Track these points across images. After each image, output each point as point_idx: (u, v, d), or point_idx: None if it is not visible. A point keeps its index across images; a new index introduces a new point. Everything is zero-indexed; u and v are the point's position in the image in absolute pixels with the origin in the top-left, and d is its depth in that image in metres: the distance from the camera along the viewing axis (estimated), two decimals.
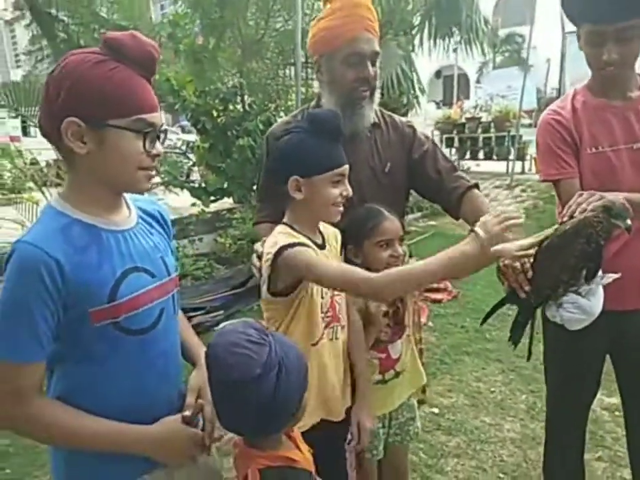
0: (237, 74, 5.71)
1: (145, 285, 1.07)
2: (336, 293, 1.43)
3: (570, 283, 1.29)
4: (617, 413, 2.55)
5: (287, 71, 6.35)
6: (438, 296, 4.33)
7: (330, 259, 1.42)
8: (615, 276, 1.33)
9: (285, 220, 1.43)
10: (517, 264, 1.31)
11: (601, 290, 1.31)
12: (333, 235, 1.52)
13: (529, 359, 1.54)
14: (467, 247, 1.10)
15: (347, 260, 1.54)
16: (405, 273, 1.19)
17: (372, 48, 1.58)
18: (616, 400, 1.83)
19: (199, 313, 4.04)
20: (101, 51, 1.00)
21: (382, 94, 5.92)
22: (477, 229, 1.11)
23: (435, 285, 4.45)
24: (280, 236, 1.36)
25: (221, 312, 4.13)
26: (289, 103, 5.68)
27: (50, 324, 0.97)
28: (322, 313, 1.40)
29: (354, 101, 1.61)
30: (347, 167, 1.38)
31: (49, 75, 1.02)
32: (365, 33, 1.57)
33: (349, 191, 1.38)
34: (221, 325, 3.91)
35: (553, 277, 1.30)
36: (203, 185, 5.47)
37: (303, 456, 1.15)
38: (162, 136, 1.07)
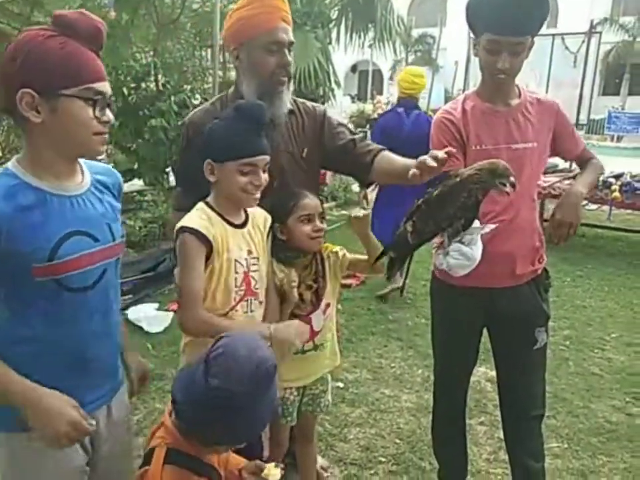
0: (151, 52, 5.55)
1: (86, 248, 1.14)
2: (251, 268, 1.53)
3: (448, 231, 1.48)
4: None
5: (204, 53, 6.26)
6: (348, 281, 4.54)
7: (248, 239, 1.53)
8: (492, 226, 1.55)
9: (208, 198, 1.52)
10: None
11: (479, 240, 1.50)
12: (262, 218, 1.62)
13: (402, 292, 1.77)
14: (260, 327, 1.44)
15: (275, 237, 1.66)
16: (214, 325, 1.39)
17: (289, 37, 1.68)
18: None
19: None
20: (52, 28, 1.08)
21: (298, 85, 6.06)
22: (272, 327, 1.44)
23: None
24: (192, 213, 1.48)
25: (130, 296, 4.03)
26: (206, 85, 5.62)
27: None
28: (235, 287, 1.49)
29: (274, 87, 1.69)
30: (261, 158, 1.45)
31: (4, 51, 1.08)
32: (282, 23, 1.66)
33: (261, 181, 1.46)
34: (130, 309, 3.84)
35: (434, 223, 1.49)
36: (112, 165, 5.27)
37: (217, 457, 1.23)
38: (112, 104, 1.16)
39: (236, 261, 1.49)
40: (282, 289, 1.65)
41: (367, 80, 19.63)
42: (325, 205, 7.47)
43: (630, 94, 24.62)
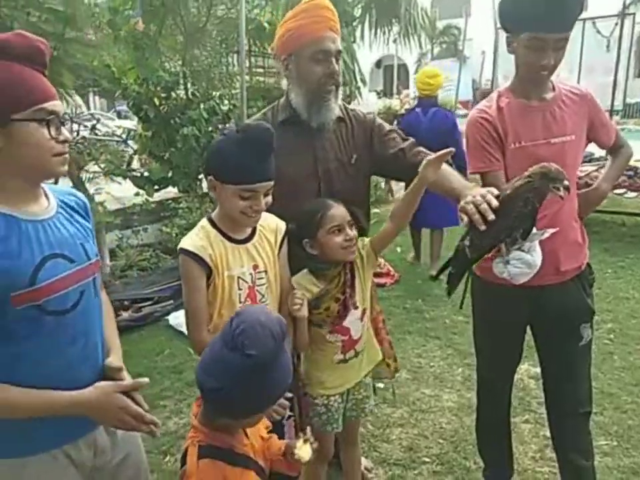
0: (179, 61, 5.65)
1: (63, 270, 1.13)
2: (257, 283, 1.55)
3: (507, 241, 1.47)
4: (541, 381, 2.81)
5: (230, 59, 6.33)
6: (382, 280, 4.54)
7: (253, 254, 1.55)
8: (552, 230, 1.53)
9: (211, 214, 1.56)
10: (478, 197, 1.43)
11: (538, 245, 1.49)
12: (272, 229, 1.62)
13: (461, 306, 1.81)
14: None
15: (305, 252, 1.65)
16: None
17: (336, 46, 1.70)
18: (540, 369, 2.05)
19: (147, 303, 4.03)
20: None
21: None
22: None
23: (379, 270, 4.66)
24: (194, 232, 1.53)
25: (171, 302, 4.13)
26: (233, 91, 5.68)
27: None
28: (239, 302, 1.52)
29: (321, 96, 1.71)
30: (261, 185, 1.44)
31: None
32: (330, 32, 1.68)
33: (260, 206, 1.47)
34: (172, 315, 3.93)
35: (493, 236, 1.47)
36: (146, 174, 5.39)
37: (250, 442, 1.27)
38: (66, 122, 1.14)
39: (239, 277, 1.51)
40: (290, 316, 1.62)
41: (392, 75, 19.47)
42: None
43: None
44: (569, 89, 1.78)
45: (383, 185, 8.09)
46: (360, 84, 7.59)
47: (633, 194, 5.80)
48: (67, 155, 1.14)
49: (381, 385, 2.91)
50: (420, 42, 8.20)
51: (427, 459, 2.37)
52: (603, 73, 7.02)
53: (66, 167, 1.15)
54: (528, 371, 2.97)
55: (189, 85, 5.46)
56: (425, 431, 2.57)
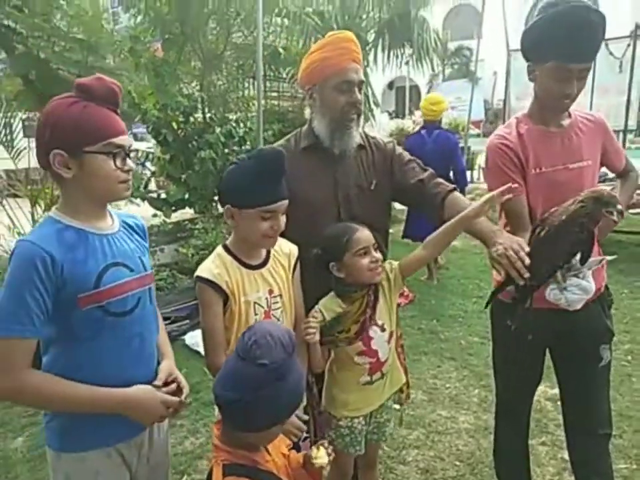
0: (197, 87, 5.81)
1: (124, 277, 1.30)
2: (273, 307, 1.59)
3: (565, 267, 1.49)
4: (558, 403, 2.77)
5: (247, 84, 6.48)
6: (397, 300, 4.55)
7: (268, 279, 1.59)
8: (610, 258, 1.57)
9: (227, 241, 1.61)
10: (511, 252, 1.47)
11: (590, 273, 1.52)
12: (286, 253, 1.67)
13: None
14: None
15: (332, 276, 1.68)
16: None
17: (359, 77, 1.76)
18: (557, 391, 2.04)
19: (164, 322, 4.08)
20: (74, 94, 1.25)
21: None
22: None
23: None
24: (209, 259, 1.57)
25: (187, 322, 4.17)
26: (249, 114, 5.81)
27: (42, 307, 1.17)
28: None
29: (344, 124, 1.77)
30: (280, 204, 1.50)
31: (38, 118, 1.27)
32: (353, 64, 1.75)
33: (280, 225, 1.53)
34: (188, 335, 3.98)
35: (550, 262, 1.49)
36: (164, 195, 5.51)
37: (272, 459, 1.30)
38: (132, 154, 1.33)
39: (255, 303, 1.55)
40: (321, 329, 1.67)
41: (404, 96, 19.63)
42: None
43: None
44: (584, 115, 1.82)
45: (396, 204, 8.13)
46: (373, 106, 7.69)
47: None
48: (130, 182, 1.32)
49: (397, 407, 2.91)
50: (432, 63, 8.29)
51: None
52: (616, 93, 7.05)
53: (129, 192, 1.34)
54: (545, 392, 2.96)
55: (206, 110, 5.61)
56: (441, 453, 2.56)
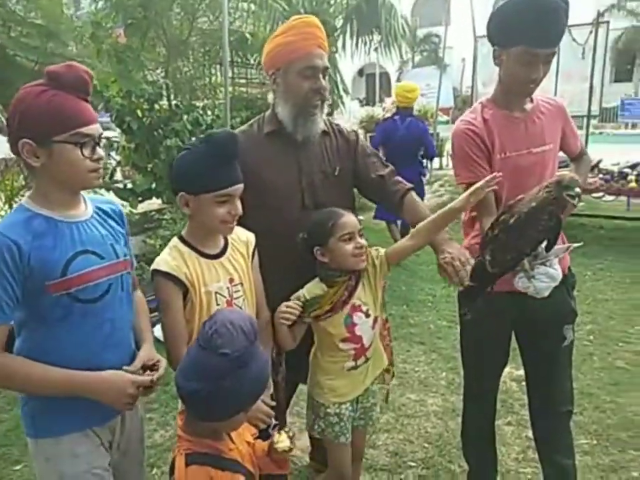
0: (162, 73, 5.67)
1: (92, 265, 1.30)
2: (234, 296, 1.57)
3: (532, 255, 1.51)
4: (523, 383, 2.86)
5: (213, 70, 6.37)
6: None
7: (228, 267, 1.56)
8: (577, 245, 1.61)
9: (182, 232, 1.57)
10: (457, 262, 1.56)
11: (557, 260, 1.55)
12: (243, 241, 1.65)
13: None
14: None
15: (316, 260, 1.69)
16: None
17: (324, 63, 1.75)
18: (522, 372, 2.10)
19: None
20: (44, 82, 1.24)
21: None
22: None
23: None
24: (165, 252, 1.53)
25: (156, 313, 4.11)
26: (217, 101, 5.72)
27: (10, 294, 1.20)
28: None
29: (307, 110, 1.76)
30: (235, 187, 1.47)
31: (9, 107, 1.26)
32: (318, 50, 1.73)
33: (238, 210, 1.50)
34: (157, 327, 3.92)
35: (517, 250, 1.51)
36: (130, 185, 5.39)
37: (236, 447, 1.29)
38: (101, 142, 1.32)
39: (216, 293, 1.52)
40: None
41: (374, 83, 19.64)
42: None
43: None
44: (545, 100, 1.85)
45: None
46: (342, 93, 7.66)
47: (610, 197, 5.94)
48: (101, 171, 1.32)
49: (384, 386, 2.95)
50: (400, 50, 8.30)
51: (413, 464, 2.41)
52: (579, 79, 7.17)
53: (100, 181, 1.34)
54: (510, 373, 3.03)
55: (172, 97, 5.49)
56: (410, 436, 2.61)
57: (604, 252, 5.30)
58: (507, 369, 2.95)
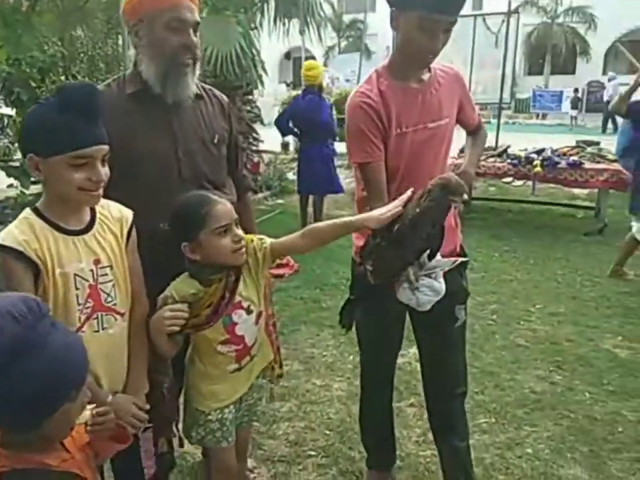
0: (58, 42, 5.18)
1: None
2: (101, 280, 1.35)
3: (416, 264, 1.42)
4: None
5: (120, 41, 5.92)
6: (280, 271, 4.43)
7: (94, 246, 1.35)
8: (462, 259, 1.56)
9: (38, 203, 1.33)
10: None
11: (442, 273, 1.46)
12: (117, 218, 1.42)
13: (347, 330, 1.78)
14: (100, 395, 1.34)
15: (187, 259, 1.47)
16: None
17: (194, 17, 1.54)
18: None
19: None
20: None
21: (220, 70, 5.93)
22: (110, 398, 1.36)
23: (278, 261, 4.57)
24: (12, 225, 1.28)
25: None
26: (121, 73, 5.32)
27: None
28: (78, 304, 1.32)
29: (178, 68, 1.55)
30: (96, 148, 1.26)
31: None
32: (187, 1, 1.53)
33: (100, 176, 1.28)
34: None
35: (400, 259, 1.41)
36: (21, 164, 4.90)
37: (70, 456, 1.08)
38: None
39: (75, 275, 1.31)
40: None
41: (301, 67, 19.46)
42: (260, 195, 7.43)
43: (552, 73, 25.86)
44: (442, 68, 1.74)
45: (290, 175, 8.02)
46: (262, 72, 7.40)
47: (519, 182, 6.18)
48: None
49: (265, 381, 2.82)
50: (323, 35, 8.16)
51: (313, 452, 2.31)
52: (493, 67, 7.39)
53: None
54: (416, 354, 2.97)
55: (71, 67, 5.04)
56: (312, 423, 2.50)
57: (511, 234, 5.48)
58: (412, 350, 2.96)
